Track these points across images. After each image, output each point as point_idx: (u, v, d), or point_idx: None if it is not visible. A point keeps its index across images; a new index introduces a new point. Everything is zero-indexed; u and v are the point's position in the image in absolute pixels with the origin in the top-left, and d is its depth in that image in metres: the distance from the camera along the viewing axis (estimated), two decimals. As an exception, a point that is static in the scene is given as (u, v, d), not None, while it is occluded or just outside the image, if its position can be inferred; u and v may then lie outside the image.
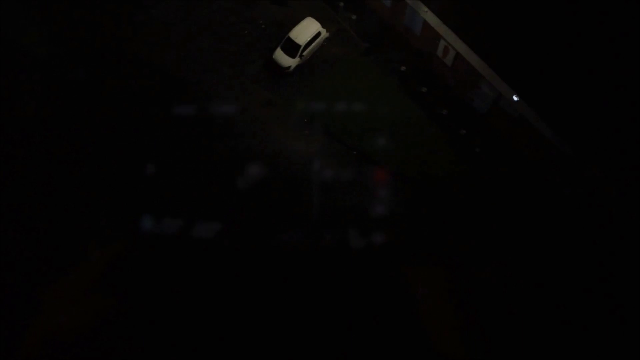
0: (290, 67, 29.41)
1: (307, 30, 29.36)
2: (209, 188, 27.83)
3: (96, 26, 30.89)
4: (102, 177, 27.70)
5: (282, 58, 29.41)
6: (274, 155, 28.50)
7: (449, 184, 27.95)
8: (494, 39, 25.88)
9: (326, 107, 29.36)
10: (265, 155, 28.49)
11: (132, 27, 30.85)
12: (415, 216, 27.51)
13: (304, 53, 29.44)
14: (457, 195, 27.74)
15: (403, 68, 28.78)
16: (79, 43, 30.38)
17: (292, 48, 29.27)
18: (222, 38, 30.74)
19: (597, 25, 25.73)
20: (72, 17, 30.93)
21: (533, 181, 27.74)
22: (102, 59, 30.15)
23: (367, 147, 28.60)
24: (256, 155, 28.49)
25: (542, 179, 27.63)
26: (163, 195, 27.54)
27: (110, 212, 27.10)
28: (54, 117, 28.75)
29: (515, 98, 25.25)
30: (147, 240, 26.61)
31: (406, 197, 27.79)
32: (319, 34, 29.64)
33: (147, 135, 28.58)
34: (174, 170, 28.02)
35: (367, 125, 28.99)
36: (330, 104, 29.42)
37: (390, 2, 29.29)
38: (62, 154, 28.01)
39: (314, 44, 29.70)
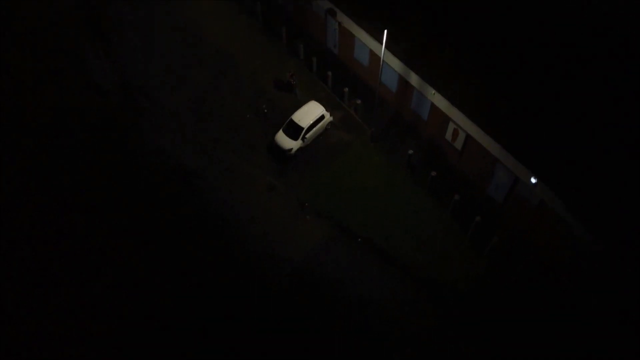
0: (292, 149, 28.00)
1: (310, 112, 28.42)
2: (204, 283, 25.07)
3: (99, 105, 30.58)
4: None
5: (283, 140, 28.14)
6: (276, 244, 25.98)
7: (464, 280, 24.77)
8: (506, 118, 24.39)
9: (330, 193, 27.39)
10: (266, 243, 25.99)
11: (137, 115, 30.35)
12: (424, 321, 24.01)
13: (307, 136, 28.20)
14: (473, 295, 24.42)
15: (411, 152, 27.13)
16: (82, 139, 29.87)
17: (294, 130, 28.12)
18: (228, 125, 29.88)
19: (623, 96, 24.25)
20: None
21: (557, 280, 24.40)
22: (103, 143, 29.22)
23: (373, 235, 26.02)
24: (257, 243, 26.00)
25: (567, 278, 24.30)
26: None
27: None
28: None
29: (533, 180, 23.02)
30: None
31: (414, 298, 24.50)
32: (322, 117, 28.64)
33: (150, 230, 26.53)
34: (168, 266, 25.60)
35: (373, 212, 26.70)
36: (334, 190, 27.49)
37: (396, 87, 28.57)
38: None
39: (317, 127, 28.56)
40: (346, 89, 29.80)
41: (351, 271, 25.12)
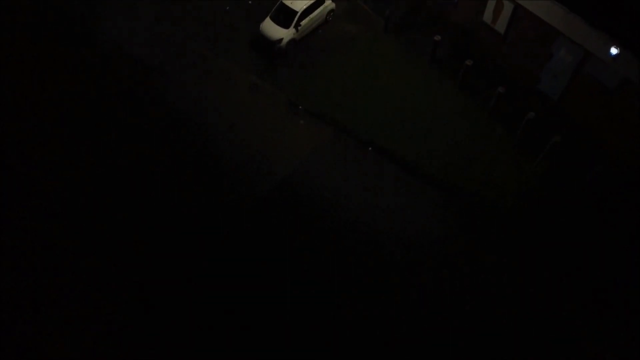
0: (282, 39, 21.60)
1: (306, -7, 22.08)
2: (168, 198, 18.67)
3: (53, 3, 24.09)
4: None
5: (271, 29, 21.74)
6: (261, 152, 19.60)
7: (510, 194, 18.38)
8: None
9: (331, 93, 21.01)
10: (249, 152, 19.60)
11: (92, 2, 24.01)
12: (454, 243, 17.64)
13: (302, 23, 21.82)
14: (522, 213, 18.03)
15: (438, 37, 20.68)
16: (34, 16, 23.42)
17: (285, 16, 21.72)
18: (202, 17, 23.51)
19: None
20: None
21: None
22: (58, 37, 22.77)
23: (388, 143, 19.64)
24: (237, 152, 19.60)
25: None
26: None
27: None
28: None
29: (614, 51, 16.60)
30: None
31: (441, 214, 18.15)
32: (322, 0, 22.28)
33: (110, 134, 20.09)
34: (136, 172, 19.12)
35: (388, 114, 20.33)
36: (336, 89, 21.10)
37: (417, -38, 22.26)
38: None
39: (314, 14, 22.18)
40: (352, -30, 23.48)
41: (358, 187, 18.69)
